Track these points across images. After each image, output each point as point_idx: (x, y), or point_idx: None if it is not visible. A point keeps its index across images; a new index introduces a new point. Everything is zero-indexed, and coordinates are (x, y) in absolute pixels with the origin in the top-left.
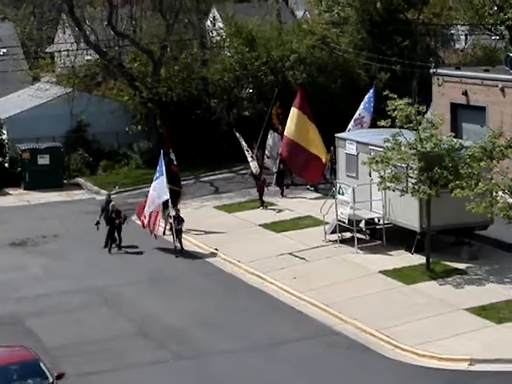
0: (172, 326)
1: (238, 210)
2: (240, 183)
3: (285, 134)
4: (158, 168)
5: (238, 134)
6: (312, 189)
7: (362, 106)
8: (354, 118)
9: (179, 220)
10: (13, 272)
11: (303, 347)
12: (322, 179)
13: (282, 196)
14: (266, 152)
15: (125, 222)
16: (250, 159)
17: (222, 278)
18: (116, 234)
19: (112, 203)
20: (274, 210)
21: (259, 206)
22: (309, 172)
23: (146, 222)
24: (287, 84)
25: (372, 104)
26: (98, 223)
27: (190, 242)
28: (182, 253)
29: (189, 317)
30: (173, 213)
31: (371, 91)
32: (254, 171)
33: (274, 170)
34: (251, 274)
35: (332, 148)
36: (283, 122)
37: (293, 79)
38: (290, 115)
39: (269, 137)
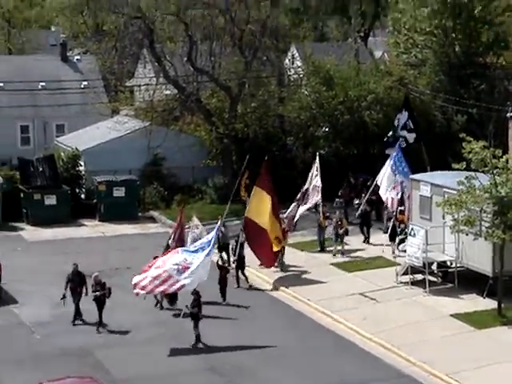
0: (241, 363)
1: (311, 248)
2: (314, 221)
3: (245, 214)
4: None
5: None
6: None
7: (391, 170)
8: (392, 185)
9: (195, 304)
10: (85, 303)
11: None
12: (273, 264)
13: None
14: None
15: (110, 295)
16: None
17: (291, 315)
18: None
19: (95, 274)
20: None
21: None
22: (264, 254)
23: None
24: (364, 124)
25: (404, 164)
26: (64, 297)
27: (258, 278)
28: (196, 346)
29: (258, 354)
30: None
31: (398, 152)
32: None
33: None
34: (321, 312)
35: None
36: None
37: (369, 119)
38: (252, 194)
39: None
